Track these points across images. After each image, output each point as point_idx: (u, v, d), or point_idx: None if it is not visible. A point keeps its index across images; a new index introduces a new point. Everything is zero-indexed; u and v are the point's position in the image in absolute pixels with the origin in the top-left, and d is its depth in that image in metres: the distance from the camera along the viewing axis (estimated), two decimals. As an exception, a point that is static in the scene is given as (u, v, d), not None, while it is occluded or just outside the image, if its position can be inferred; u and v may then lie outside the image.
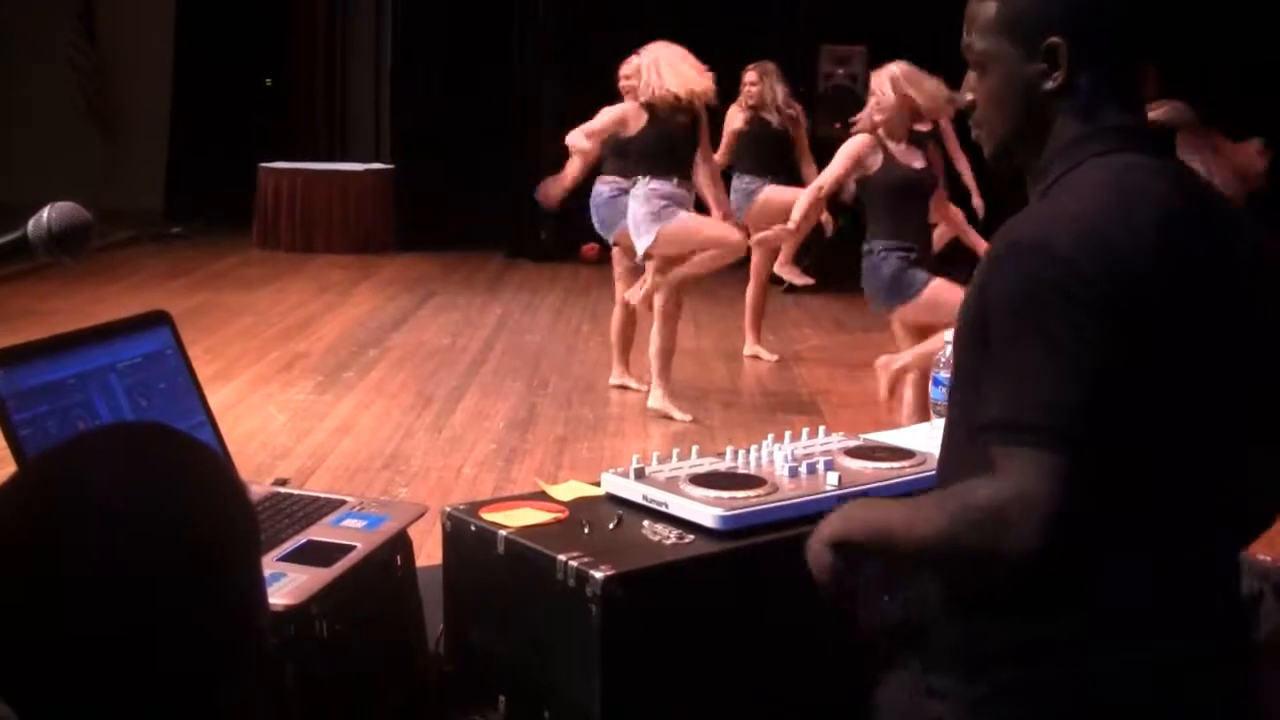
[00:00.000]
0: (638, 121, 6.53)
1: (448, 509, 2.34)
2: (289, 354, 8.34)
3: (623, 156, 6.72)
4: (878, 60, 9.97)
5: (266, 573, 1.94)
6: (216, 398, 7.09)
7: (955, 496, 1.70)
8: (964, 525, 1.66)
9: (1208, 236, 1.75)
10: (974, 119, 1.84)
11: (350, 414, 7.08)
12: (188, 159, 13.18)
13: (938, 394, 2.77)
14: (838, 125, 9.73)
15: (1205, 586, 1.75)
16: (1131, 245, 1.66)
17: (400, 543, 2.30)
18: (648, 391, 6.81)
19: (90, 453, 1.10)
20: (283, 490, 2.35)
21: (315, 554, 2.07)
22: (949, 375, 2.71)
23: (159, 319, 2.34)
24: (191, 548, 1.05)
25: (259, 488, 2.35)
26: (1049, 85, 1.76)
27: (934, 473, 2.50)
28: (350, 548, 2.10)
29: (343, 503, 2.30)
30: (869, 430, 2.99)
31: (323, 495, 2.33)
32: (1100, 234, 1.66)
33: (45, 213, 1.63)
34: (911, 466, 2.53)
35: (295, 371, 7.89)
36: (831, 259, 9.90)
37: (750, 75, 8.07)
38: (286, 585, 1.94)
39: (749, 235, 6.62)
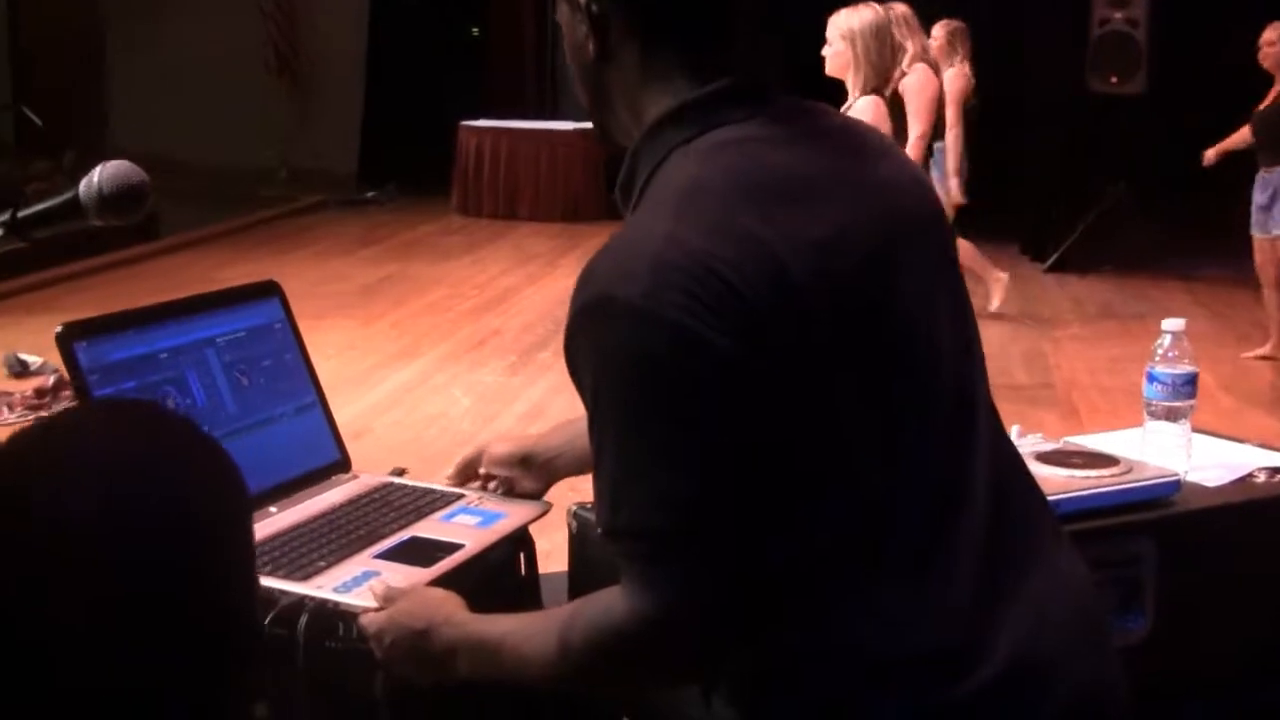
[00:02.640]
0: None
1: (574, 507, 2.34)
2: (481, 331, 8.52)
3: None
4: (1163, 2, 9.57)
5: (358, 570, 2.02)
6: (398, 377, 7.31)
7: (571, 629, 1.62)
8: (591, 665, 1.61)
9: (844, 202, 1.58)
10: None
11: (542, 399, 7.18)
12: (384, 116, 13.58)
13: (1151, 391, 2.65)
14: (1114, 79, 9.44)
15: (936, 625, 1.58)
16: (731, 261, 1.47)
17: (523, 543, 2.32)
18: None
19: (71, 425, 1.17)
20: (396, 481, 2.39)
21: (416, 552, 2.10)
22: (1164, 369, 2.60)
23: (268, 289, 2.41)
24: (166, 522, 1.11)
25: (371, 478, 2.40)
26: (591, 52, 1.65)
27: (1142, 484, 2.42)
28: (456, 546, 2.12)
29: (459, 496, 2.33)
30: (1123, 428, 2.89)
31: (439, 488, 2.36)
32: (682, 265, 1.47)
33: (96, 173, 1.70)
34: (1112, 476, 2.43)
35: (486, 350, 8.05)
36: (1103, 234, 9.63)
37: (1269, 34, 7.50)
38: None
39: None
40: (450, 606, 1.83)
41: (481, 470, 2.36)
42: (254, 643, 1.22)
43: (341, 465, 2.42)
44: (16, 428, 1.18)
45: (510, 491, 2.34)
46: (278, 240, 10.56)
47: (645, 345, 1.47)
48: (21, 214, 1.71)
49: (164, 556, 1.11)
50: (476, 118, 12.65)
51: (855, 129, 1.75)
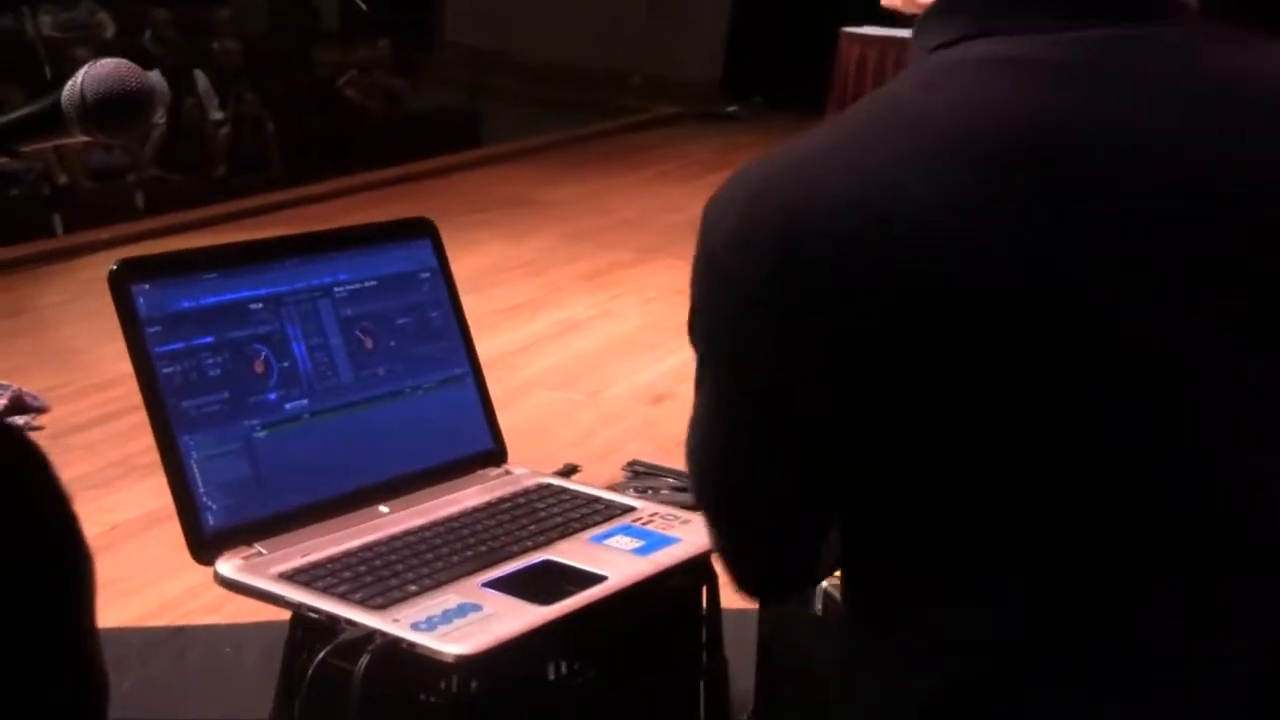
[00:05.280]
0: None
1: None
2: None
3: None
4: None
5: (454, 601, 1.82)
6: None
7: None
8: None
9: (1134, 182, 1.30)
10: None
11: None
12: (756, 18, 13.41)
13: None
14: None
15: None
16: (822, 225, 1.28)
17: (704, 575, 2.10)
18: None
19: None
20: (556, 483, 2.20)
21: (539, 583, 1.90)
22: None
23: (418, 228, 2.25)
24: None
25: (528, 476, 2.21)
26: None
27: None
28: (595, 579, 1.91)
29: (627, 510, 2.12)
30: None
31: (606, 496, 2.16)
32: (804, 190, 1.31)
33: (81, 73, 1.53)
34: None
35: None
36: None
37: None
38: (468, 625, 1.76)
39: None
40: None
41: None
42: None
43: (493, 457, 2.25)
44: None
45: None
46: (616, 157, 10.53)
47: (723, 273, 1.36)
48: (-4, 123, 1.56)
49: None
50: (862, 23, 12.35)
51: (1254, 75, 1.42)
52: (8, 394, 5.99)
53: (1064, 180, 1.31)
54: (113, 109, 1.53)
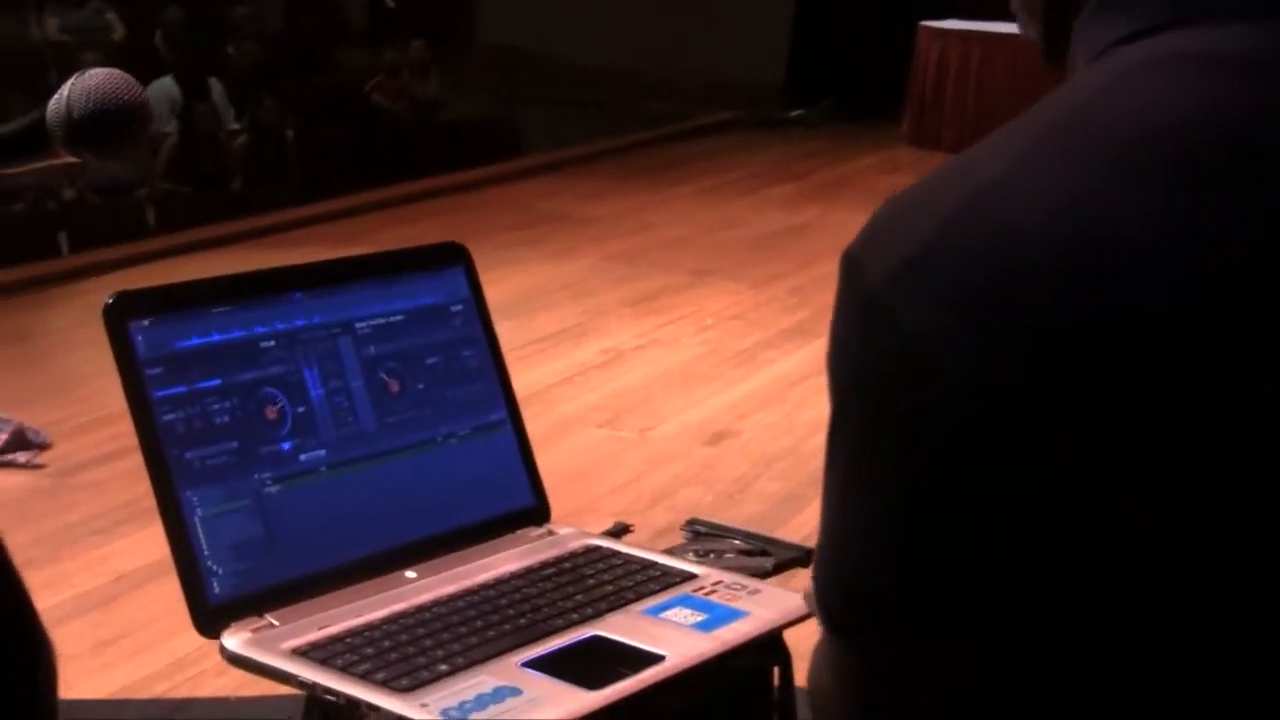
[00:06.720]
0: None
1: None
2: (908, 306, 8.20)
3: None
4: None
5: (491, 684, 1.75)
6: (787, 363, 7.09)
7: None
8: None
9: None
10: None
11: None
12: (824, 12, 13.38)
13: None
14: None
15: None
16: (1034, 254, 1.13)
17: (775, 652, 2.03)
18: None
19: None
20: (606, 545, 2.12)
21: (588, 663, 1.82)
22: None
23: (450, 254, 2.18)
24: None
25: (574, 535, 2.14)
26: None
27: None
28: (652, 658, 1.83)
29: (687, 578, 2.04)
30: None
31: (663, 561, 2.08)
32: (967, 237, 1.15)
33: (68, 85, 1.46)
34: None
35: (907, 333, 7.73)
36: None
37: None
38: (505, 713, 1.69)
39: None
40: None
41: None
42: None
43: (534, 514, 2.17)
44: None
45: None
46: (668, 168, 10.50)
47: (862, 342, 1.21)
48: (-23, 142, 1.50)
49: None
50: (944, 17, 12.29)
51: None
52: (8, 429, 5.97)
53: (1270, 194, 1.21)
54: (104, 126, 1.46)
